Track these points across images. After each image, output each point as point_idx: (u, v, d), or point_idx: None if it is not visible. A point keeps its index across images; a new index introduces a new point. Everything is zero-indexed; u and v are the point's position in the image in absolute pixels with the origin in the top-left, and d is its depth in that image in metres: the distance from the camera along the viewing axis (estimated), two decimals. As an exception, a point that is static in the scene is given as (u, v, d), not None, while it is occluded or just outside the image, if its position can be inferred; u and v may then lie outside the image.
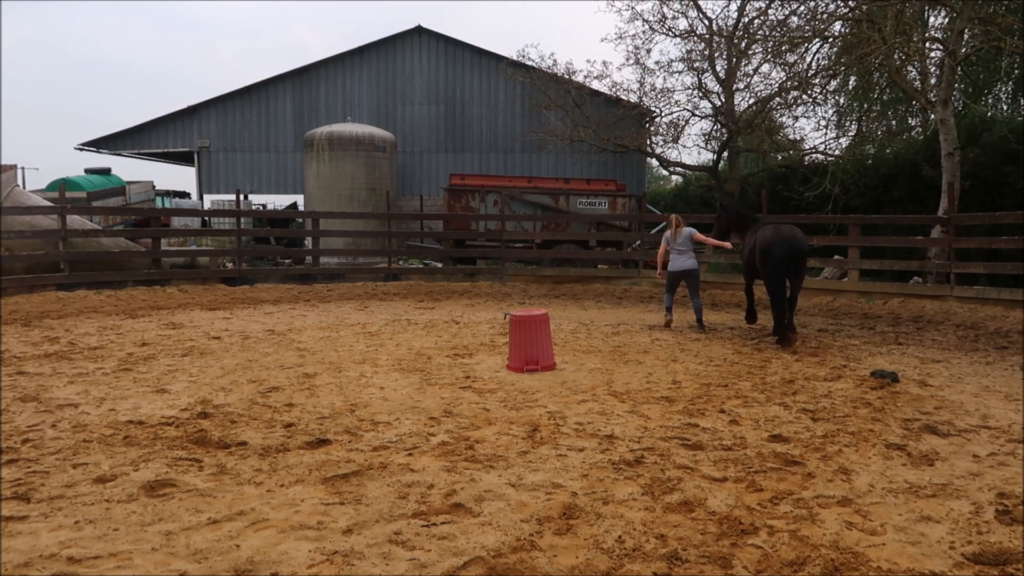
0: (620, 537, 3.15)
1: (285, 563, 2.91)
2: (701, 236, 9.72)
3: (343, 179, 22.30)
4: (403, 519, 3.33)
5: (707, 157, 25.14)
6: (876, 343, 8.62)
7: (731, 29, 20.88)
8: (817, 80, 18.38)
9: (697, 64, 21.63)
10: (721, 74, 21.59)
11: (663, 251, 9.75)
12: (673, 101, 23.91)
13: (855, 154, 19.95)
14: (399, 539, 3.12)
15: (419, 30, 26.83)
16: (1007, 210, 13.36)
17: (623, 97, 22.68)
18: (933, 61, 16.17)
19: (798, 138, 23.68)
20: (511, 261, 17.77)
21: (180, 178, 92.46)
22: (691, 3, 21.48)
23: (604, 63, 47.14)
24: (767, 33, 18.07)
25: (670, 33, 21.82)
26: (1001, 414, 5.29)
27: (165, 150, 27.34)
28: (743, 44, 20.21)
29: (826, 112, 24.17)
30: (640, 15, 25.30)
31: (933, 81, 16.08)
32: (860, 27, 14.73)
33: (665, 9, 21.83)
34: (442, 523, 3.29)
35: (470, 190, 19.45)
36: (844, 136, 21.44)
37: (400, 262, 19.11)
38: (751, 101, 21.82)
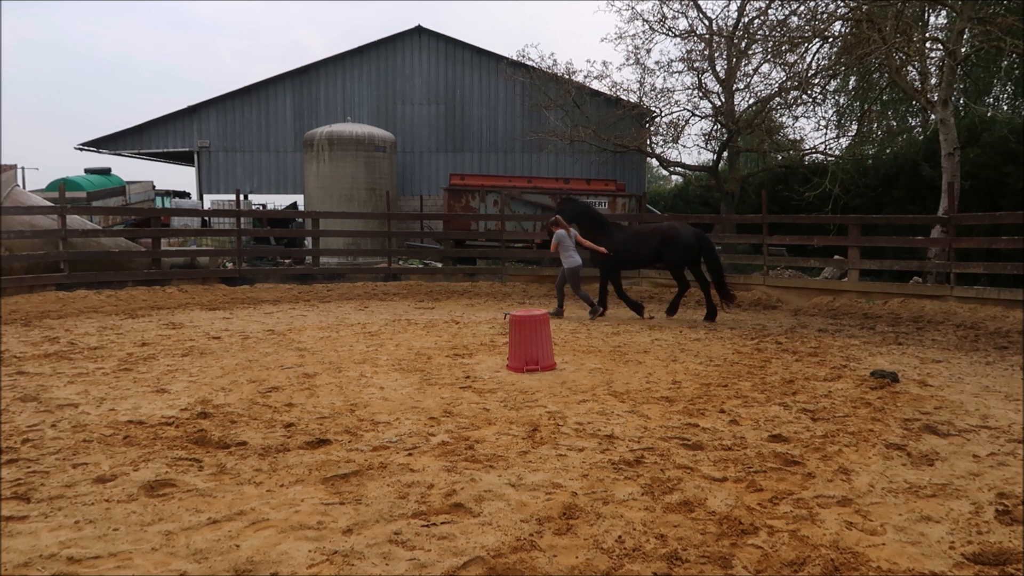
0: (620, 537, 3.15)
1: (285, 563, 2.91)
2: (579, 237, 10.83)
3: (343, 179, 22.29)
4: (403, 519, 3.33)
5: (707, 157, 25.18)
6: (876, 343, 8.62)
7: (731, 29, 20.89)
8: (817, 80, 18.40)
9: (697, 64, 21.65)
10: (721, 74, 21.59)
11: (556, 248, 10.66)
12: (673, 101, 23.96)
13: (855, 154, 19.97)
14: (399, 539, 3.12)
15: (419, 30, 26.83)
16: (1007, 210, 13.37)
17: (623, 97, 22.68)
18: (933, 61, 16.18)
19: (798, 138, 23.73)
20: (511, 261, 17.77)
21: (180, 178, 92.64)
22: (691, 3, 21.50)
23: (604, 63, 47.20)
24: (767, 33, 18.09)
25: (670, 33, 21.84)
26: (1001, 414, 5.29)
27: (165, 150, 27.33)
28: (743, 44, 20.23)
29: (826, 112, 24.20)
30: (640, 15, 25.37)
31: (933, 81, 16.09)
32: (860, 27, 14.74)
33: (665, 9, 21.87)
34: (442, 523, 3.29)
35: (470, 190, 19.46)
36: (844, 136, 21.47)
37: (400, 262, 19.11)
38: (751, 101, 21.85)
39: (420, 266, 18.69)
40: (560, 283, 10.99)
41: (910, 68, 16.09)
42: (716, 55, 21.45)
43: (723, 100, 21.76)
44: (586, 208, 11.39)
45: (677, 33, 21.77)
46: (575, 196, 11.75)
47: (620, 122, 22.39)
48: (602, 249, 10.67)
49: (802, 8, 16.41)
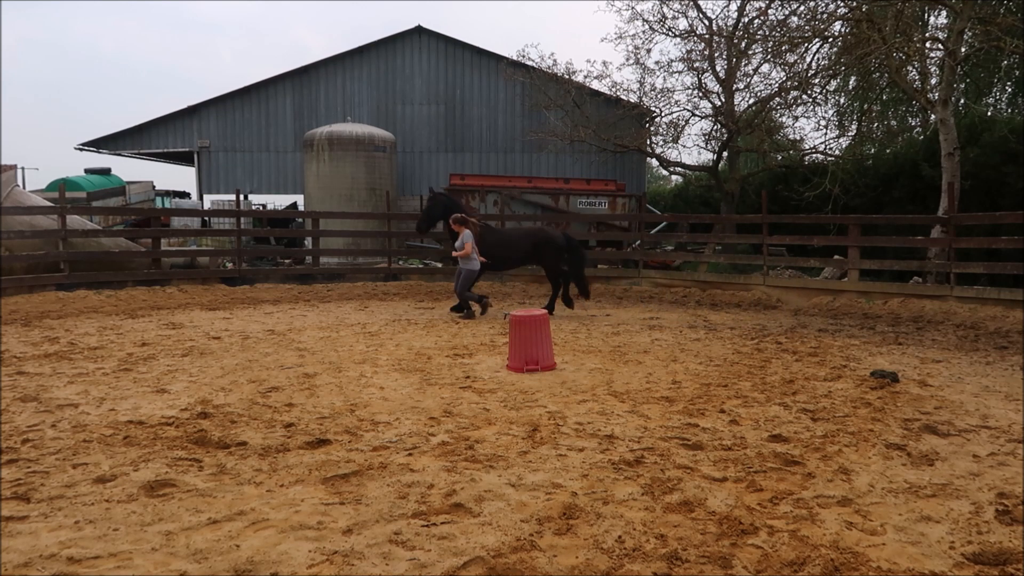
0: (620, 537, 3.15)
1: (285, 563, 2.91)
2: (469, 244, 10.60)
3: (343, 179, 22.28)
4: (403, 519, 3.33)
5: (707, 157, 25.18)
6: (876, 343, 8.62)
7: (731, 29, 20.90)
8: (817, 80, 18.39)
9: (697, 64, 21.66)
10: (721, 74, 21.60)
11: (470, 249, 10.45)
12: (673, 101, 23.97)
13: (855, 154, 19.96)
14: (399, 539, 3.12)
15: (419, 30, 26.83)
16: (1007, 210, 13.36)
17: (623, 97, 22.69)
18: (933, 61, 16.17)
19: (798, 138, 23.73)
20: (511, 261, 17.75)
21: (180, 178, 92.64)
22: (691, 3, 21.51)
23: (604, 63, 47.18)
24: (767, 33, 18.09)
25: (670, 33, 21.85)
26: (1001, 414, 5.29)
27: (165, 150, 27.32)
28: (743, 44, 20.24)
29: (826, 112, 24.24)
30: (640, 15, 25.42)
31: (933, 81, 16.09)
32: (860, 27, 14.73)
33: (665, 9, 21.89)
34: (442, 523, 3.29)
35: (470, 190, 19.44)
36: (844, 136, 21.47)
37: (400, 262, 19.11)
38: (751, 101, 21.85)
39: (420, 266, 18.69)
40: (461, 285, 10.61)
41: (910, 68, 16.08)
42: (716, 55, 21.45)
43: (723, 100, 21.76)
44: (456, 205, 11.28)
45: (677, 33, 21.78)
46: (443, 192, 11.67)
47: (620, 122, 22.39)
48: (482, 259, 10.62)
49: (802, 8, 16.42)
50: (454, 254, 10.58)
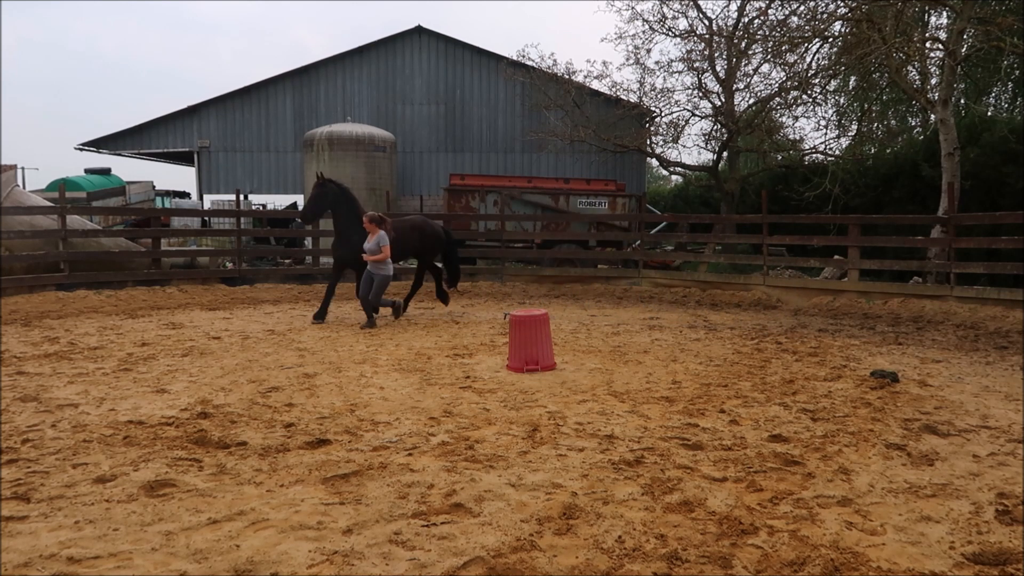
0: (620, 537, 3.15)
1: (285, 563, 2.91)
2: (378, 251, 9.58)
3: (343, 179, 22.02)
4: (403, 519, 3.33)
5: (707, 157, 25.19)
6: (876, 343, 8.62)
7: (731, 29, 20.92)
8: (817, 80, 18.41)
9: (697, 64, 21.69)
10: (721, 74, 21.62)
11: (387, 252, 9.55)
12: (673, 101, 23.98)
13: (855, 154, 19.98)
14: (399, 539, 3.12)
15: (419, 30, 26.84)
16: (1007, 210, 13.36)
17: (623, 97, 22.71)
18: (933, 61, 16.18)
19: (798, 138, 23.76)
20: (511, 261, 17.76)
21: (180, 178, 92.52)
22: (691, 3, 21.54)
23: (604, 63, 47.25)
24: (767, 33, 18.10)
25: (670, 33, 21.87)
26: (1001, 414, 5.29)
27: (165, 150, 27.34)
28: (743, 44, 20.26)
29: (826, 112, 24.24)
30: (640, 15, 25.42)
31: (933, 81, 16.09)
32: (860, 27, 14.74)
33: (665, 9, 21.92)
34: (442, 523, 3.29)
35: (470, 190, 19.45)
36: (844, 136, 21.50)
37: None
38: (751, 101, 21.88)
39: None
40: (375, 293, 9.62)
41: (910, 68, 16.09)
42: (716, 55, 21.47)
43: (723, 100, 21.78)
44: (350, 197, 10.47)
45: (677, 33, 21.81)
46: (333, 181, 10.64)
47: (620, 122, 22.41)
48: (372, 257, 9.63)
49: (802, 8, 16.42)
50: (367, 258, 9.48)
